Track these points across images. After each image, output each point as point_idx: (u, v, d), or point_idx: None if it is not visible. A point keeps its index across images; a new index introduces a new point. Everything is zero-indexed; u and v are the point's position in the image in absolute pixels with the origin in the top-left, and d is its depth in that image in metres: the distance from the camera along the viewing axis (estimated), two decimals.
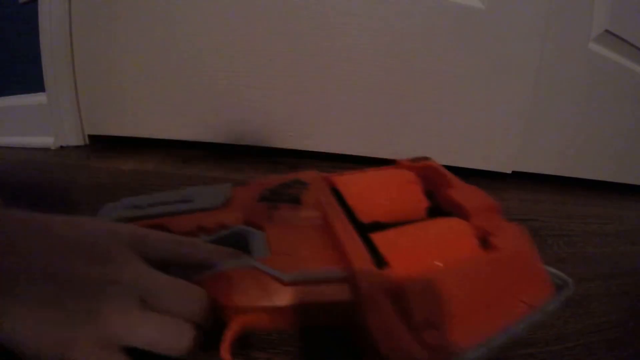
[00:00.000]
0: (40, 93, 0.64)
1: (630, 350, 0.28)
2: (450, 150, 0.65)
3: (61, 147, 0.65)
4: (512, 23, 0.58)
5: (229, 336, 0.20)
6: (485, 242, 0.25)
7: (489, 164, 0.67)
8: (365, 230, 0.25)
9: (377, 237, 0.24)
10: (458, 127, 0.63)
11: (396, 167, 0.36)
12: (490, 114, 0.63)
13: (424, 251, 0.23)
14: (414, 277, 0.21)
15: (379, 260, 0.22)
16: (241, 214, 0.28)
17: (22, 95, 0.69)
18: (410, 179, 0.32)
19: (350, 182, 0.31)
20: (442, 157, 0.66)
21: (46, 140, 0.65)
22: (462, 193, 0.29)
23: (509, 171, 0.68)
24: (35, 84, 0.64)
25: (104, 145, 0.66)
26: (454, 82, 0.61)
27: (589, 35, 0.61)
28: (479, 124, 0.64)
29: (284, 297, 0.21)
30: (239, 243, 0.26)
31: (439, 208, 0.30)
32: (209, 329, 0.21)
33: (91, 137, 0.66)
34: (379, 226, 0.26)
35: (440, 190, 0.31)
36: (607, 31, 0.61)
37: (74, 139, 0.65)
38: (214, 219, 0.27)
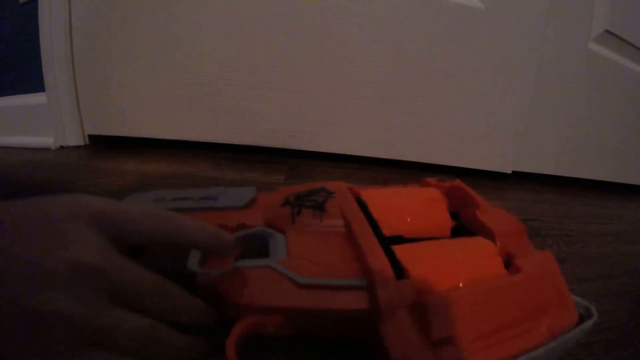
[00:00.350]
0: (40, 93, 0.64)
1: (630, 350, 0.28)
2: (450, 150, 0.65)
3: (61, 147, 0.65)
4: (512, 23, 0.58)
5: (236, 332, 0.20)
6: (510, 264, 0.24)
7: (489, 164, 0.67)
8: (387, 242, 0.24)
9: (399, 249, 0.24)
10: (458, 127, 0.63)
11: (422, 185, 0.35)
12: (490, 114, 0.63)
13: (446, 266, 0.23)
14: (434, 292, 0.20)
15: (400, 272, 0.22)
16: (263, 216, 0.28)
17: (22, 95, 0.69)
18: (436, 197, 0.31)
19: (376, 196, 0.31)
20: (442, 157, 0.66)
21: (46, 140, 0.65)
22: (489, 215, 0.29)
23: (509, 171, 0.68)
24: (35, 84, 0.64)
25: (104, 145, 0.66)
26: (454, 82, 0.61)
27: (589, 35, 0.61)
28: (479, 124, 0.64)
29: (297, 300, 0.20)
30: (259, 244, 0.26)
31: (464, 229, 0.29)
32: (214, 331, 0.20)
33: (91, 137, 0.66)
34: (402, 240, 0.26)
35: (466, 211, 0.30)
36: (607, 31, 0.61)
37: (74, 139, 0.65)
38: (236, 218, 0.27)
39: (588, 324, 0.22)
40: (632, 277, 0.40)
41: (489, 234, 0.27)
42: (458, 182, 0.34)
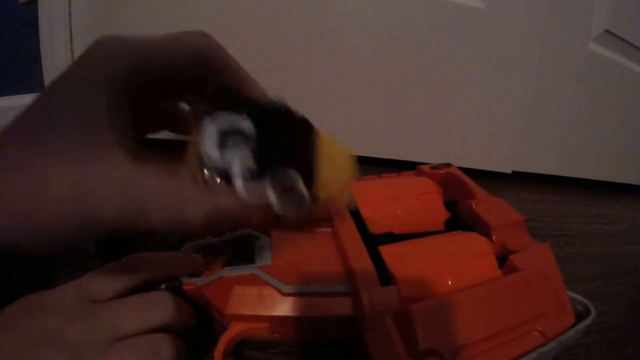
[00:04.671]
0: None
1: (630, 350, 0.28)
2: (450, 150, 0.65)
3: None
4: (512, 23, 0.58)
5: (223, 341, 0.20)
6: (505, 260, 0.24)
7: (489, 164, 0.67)
8: (376, 242, 0.24)
9: (386, 251, 0.23)
10: (458, 127, 0.63)
11: (416, 174, 0.34)
12: (490, 113, 0.63)
13: (436, 269, 0.22)
14: (421, 298, 0.20)
15: (386, 277, 0.21)
16: None
17: (22, 95, 0.69)
18: (430, 189, 0.30)
19: (366, 190, 0.30)
20: (443, 157, 0.66)
21: None
22: (486, 206, 0.28)
23: (509, 171, 0.68)
24: (35, 84, 0.64)
25: None
26: (454, 82, 0.61)
27: (589, 35, 0.61)
28: (479, 124, 0.64)
29: (281, 308, 0.20)
30: (246, 246, 0.25)
31: (459, 220, 0.28)
32: (191, 329, 0.21)
33: None
34: (392, 238, 0.25)
35: (462, 201, 0.29)
36: (607, 31, 0.61)
37: None
38: None
39: (585, 322, 0.22)
40: (632, 277, 0.40)
41: (484, 227, 0.26)
42: (453, 169, 0.32)
